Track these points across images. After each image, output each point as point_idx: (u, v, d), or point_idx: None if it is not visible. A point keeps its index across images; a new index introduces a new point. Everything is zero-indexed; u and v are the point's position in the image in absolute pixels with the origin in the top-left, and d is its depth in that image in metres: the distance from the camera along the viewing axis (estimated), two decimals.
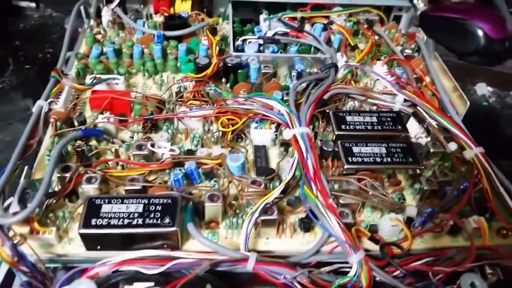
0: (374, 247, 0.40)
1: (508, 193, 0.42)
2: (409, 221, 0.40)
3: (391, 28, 0.63)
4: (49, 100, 0.48)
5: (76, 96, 0.52)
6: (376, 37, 0.61)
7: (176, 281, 0.33)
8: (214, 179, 0.43)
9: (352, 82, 0.54)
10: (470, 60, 0.82)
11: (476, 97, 0.80)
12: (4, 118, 0.65)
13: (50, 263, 0.38)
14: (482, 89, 0.81)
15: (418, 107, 0.49)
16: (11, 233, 0.37)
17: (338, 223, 0.37)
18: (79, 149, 0.44)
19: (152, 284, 0.35)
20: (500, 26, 0.81)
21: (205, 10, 0.64)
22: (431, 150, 0.46)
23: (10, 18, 0.89)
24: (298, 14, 0.61)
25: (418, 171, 0.44)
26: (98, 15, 0.63)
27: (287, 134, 0.45)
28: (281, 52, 0.58)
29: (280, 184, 0.41)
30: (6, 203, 0.38)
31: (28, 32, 0.91)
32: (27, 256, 0.35)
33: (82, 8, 0.62)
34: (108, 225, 0.36)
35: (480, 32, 0.79)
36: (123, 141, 0.46)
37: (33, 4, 0.99)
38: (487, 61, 0.82)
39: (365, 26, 0.63)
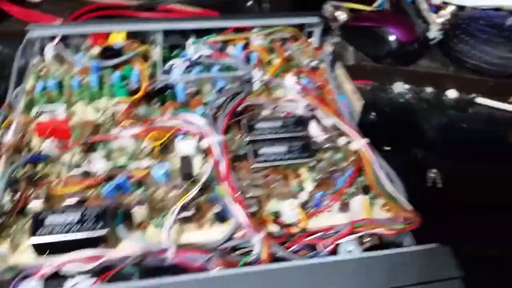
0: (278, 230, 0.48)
1: (388, 176, 0.51)
2: (304, 205, 0.49)
3: (303, 43, 0.72)
4: None
5: (25, 127, 0.59)
6: (289, 52, 0.70)
7: (108, 273, 0.41)
8: (143, 187, 0.51)
9: (266, 93, 0.63)
10: (386, 62, 0.92)
11: (393, 95, 0.90)
12: None
13: (6, 272, 0.45)
14: (399, 87, 0.91)
15: (316, 110, 0.58)
16: None
17: (244, 212, 0.46)
18: (27, 174, 0.51)
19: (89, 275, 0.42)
20: (409, 30, 0.92)
21: (139, 38, 0.72)
22: (326, 145, 0.55)
23: None
24: (219, 38, 0.70)
25: (313, 163, 0.53)
26: (42, 51, 0.70)
27: (204, 143, 0.53)
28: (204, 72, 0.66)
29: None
30: None
31: None
32: None
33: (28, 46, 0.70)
34: (51, 233, 0.44)
35: (392, 37, 0.90)
36: (64, 163, 0.53)
37: None
38: (401, 61, 0.92)
39: (279, 43, 0.72)
